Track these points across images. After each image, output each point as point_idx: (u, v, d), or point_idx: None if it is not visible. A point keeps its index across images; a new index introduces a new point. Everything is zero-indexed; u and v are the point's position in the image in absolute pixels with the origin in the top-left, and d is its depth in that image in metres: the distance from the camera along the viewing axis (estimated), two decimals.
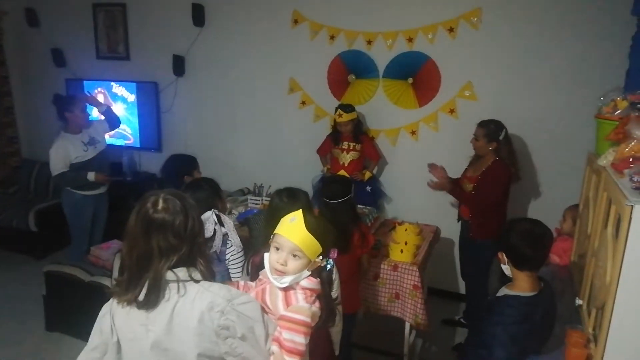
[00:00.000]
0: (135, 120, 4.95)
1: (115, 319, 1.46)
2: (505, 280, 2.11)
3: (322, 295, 1.58)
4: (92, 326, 1.52)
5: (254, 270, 2.13)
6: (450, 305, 3.96)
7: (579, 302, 2.14)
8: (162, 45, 4.78)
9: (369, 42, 4.06)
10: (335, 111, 3.87)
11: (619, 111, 2.24)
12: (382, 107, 4.13)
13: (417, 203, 4.03)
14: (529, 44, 3.63)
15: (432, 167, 3.44)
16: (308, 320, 1.48)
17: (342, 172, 3.28)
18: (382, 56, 4.05)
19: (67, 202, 3.84)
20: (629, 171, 1.83)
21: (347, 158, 3.93)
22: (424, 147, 4.07)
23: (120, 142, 5.02)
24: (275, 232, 1.56)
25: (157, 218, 1.40)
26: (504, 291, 1.96)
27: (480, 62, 3.79)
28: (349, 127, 3.86)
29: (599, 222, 2.07)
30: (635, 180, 1.72)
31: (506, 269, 1.97)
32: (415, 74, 3.98)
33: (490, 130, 3.23)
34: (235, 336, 1.37)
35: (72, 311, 3.40)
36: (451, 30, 3.82)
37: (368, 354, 3.19)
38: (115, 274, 3.24)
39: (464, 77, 3.87)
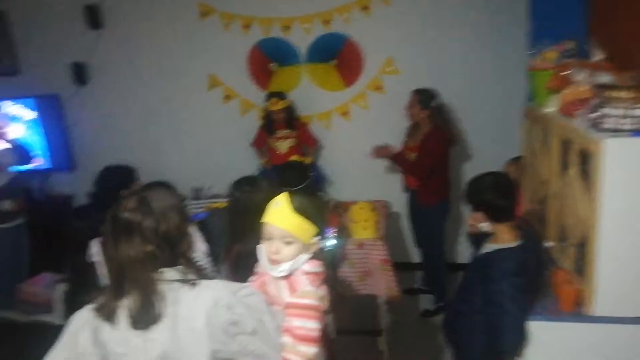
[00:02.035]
0: (41, 140, 4.43)
1: (101, 332, 1.27)
2: (477, 240, 2.17)
3: (327, 278, 1.51)
4: None
5: (232, 269, 2.01)
6: (406, 275, 4.04)
7: (548, 244, 2.28)
8: (57, 53, 4.30)
9: (287, 28, 3.99)
10: (268, 100, 3.75)
11: (548, 62, 2.39)
12: (310, 92, 4.09)
13: (359, 182, 4.06)
14: (440, 13, 3.80)
15: (376, 150, 3.50)
16: (317, 303, 1.40)
17: (295, 158, 3.17)
18: (301, 41, 4.00)
19: None
20: (582, 112, 1.96)
21: (284, 146, 3.84)
22: (357, 126, 4.12)
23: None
24: (263, 220, 1.45)
25: (122, 218, 1.25)
26: (491, 247, 1.99)
27: (398, 36, 3.90)
28: (282, 115, 3.77)
29: (555, 166, 2.21)
30: (592, 118, 1.85)
31: (485, 226, 1.99)
32: (337, 55, 3.99)
33: (423, 96, 3.33)
34: (245, 332, 1.25)
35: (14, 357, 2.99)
36: (365, 8, 3.87)
37: (348, 337, 3.17)
38: (59, 306, 2.91)
39: (385, 53, 3.95)
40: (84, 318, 1.29)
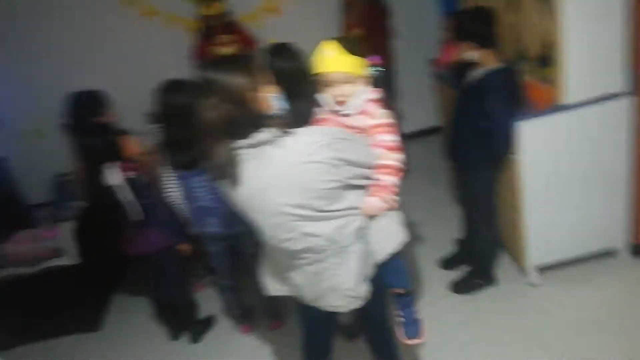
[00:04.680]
0: None
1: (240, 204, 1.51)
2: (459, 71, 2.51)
3: (387, 101, 1.73)
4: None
5: None
6: None
7: None
8: None
9: None
10: (203, 3, 3.67)
11: None
12: None
13: None
14: None
15: None
16: (391, 120, 1.67)
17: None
18: None
19: None
20: None
21: (227, 53, 3.84)
22: (288, 19, 4.17)
23: None
24: (319, 72, 1.62)
25: (205, 76, 1.39)
26: (481, 72, 2.31)
27: None
28: (220, 20, 3.74)
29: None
30: None
31: (472, 55, 2.31)
32: None
33: None
34: (347, 160, 1.48)
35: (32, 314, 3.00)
36: None
37: None
38: (70, 246, 2.88)
39: None
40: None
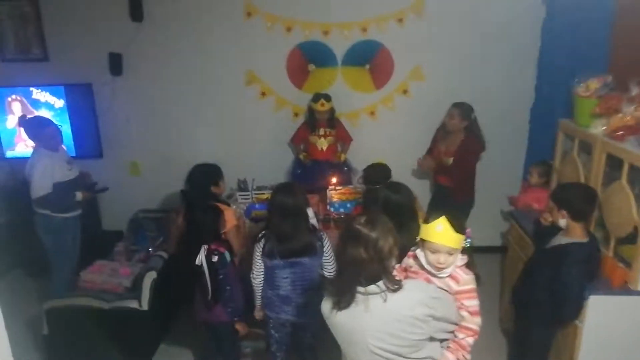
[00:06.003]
0: (67, 127, 4.47)
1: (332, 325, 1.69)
2: (543, 233, 2.69)
3: (471, 263, 1.96)
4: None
5: None
6: None
7: None
8: (92, 42, 4.37)
9: (326, 33, 4.31)
10: (316, 100, 4.09)
11: (591, 91, 2.93)
12: (342, 93, 4.42)
13: None
14: (467, 28, 4.25)
15: (421, 162, 4.06)
16: (475, 285, 1.90)
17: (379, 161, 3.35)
18: (339, 45, 4.34)
19: (46, 227, 3.45)
20: (634, 138, 2.51)
21: (324, 143, 4.20)
22: (383, 125, 4.55)
23: None
24: (426, 239, 1.85)
25: (355, 228, 1.64)
26: (564, 240, 2.46)
27: (427, 47, 4.34)
28: (326, 115, 4.12)
29: (599, 177, 2.75)
30: None
31: (562, 222, 2.45)
32: (371, 60, 4.38)
33: (464, 110, 3.80)
34: (436, 317, 1.67)
35: (89, 345, 3.19)
36: (400, 20, 4.27)
37: None
38: (146, 293, 3.13)
39: (414, 61, 4.39)
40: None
